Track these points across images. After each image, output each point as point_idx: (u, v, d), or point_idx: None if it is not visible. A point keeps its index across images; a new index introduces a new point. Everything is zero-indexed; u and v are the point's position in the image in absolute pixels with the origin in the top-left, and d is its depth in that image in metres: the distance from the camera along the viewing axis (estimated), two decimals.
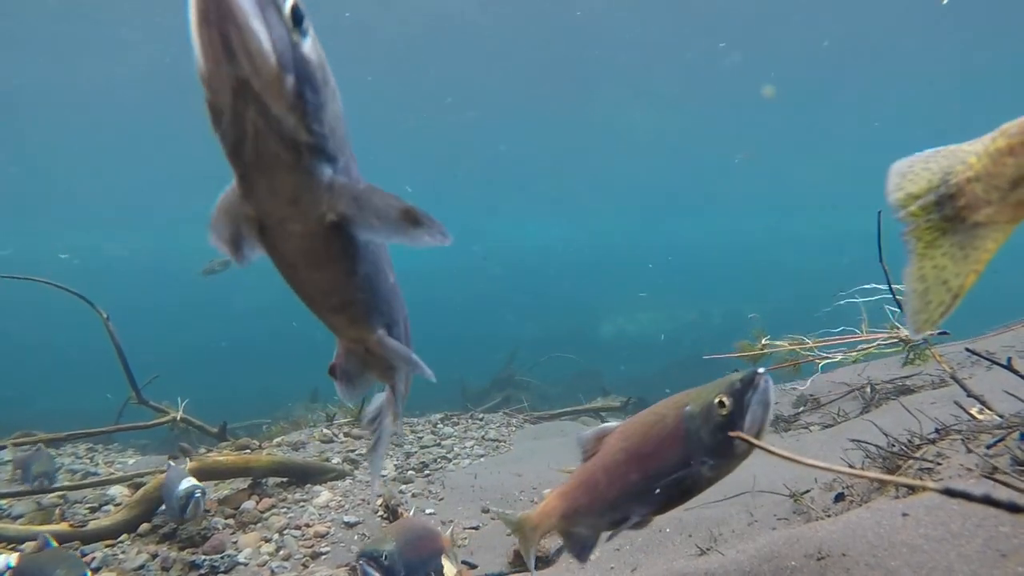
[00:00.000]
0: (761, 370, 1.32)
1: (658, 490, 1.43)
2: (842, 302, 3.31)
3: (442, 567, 2.81)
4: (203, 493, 3.34)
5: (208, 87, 0.87)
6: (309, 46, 0.93)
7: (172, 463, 3.75)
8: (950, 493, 0.71)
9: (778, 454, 1.02)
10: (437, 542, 2.73)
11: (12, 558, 2.75)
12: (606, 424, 1.68)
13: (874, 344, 3.10)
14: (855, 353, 3.38)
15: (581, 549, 1.71)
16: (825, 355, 3.25)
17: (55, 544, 2.83)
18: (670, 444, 1.42)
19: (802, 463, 0.93)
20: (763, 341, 3.33)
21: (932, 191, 1.01)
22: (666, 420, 1.44)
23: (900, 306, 3.05)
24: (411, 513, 2.91)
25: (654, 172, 29.25)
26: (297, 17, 0.90)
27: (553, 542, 3.17)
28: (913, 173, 1.04)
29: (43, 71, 17.58)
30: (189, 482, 3.34)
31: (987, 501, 0.70)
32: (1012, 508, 0.68)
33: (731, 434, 1.30)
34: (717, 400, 1.33)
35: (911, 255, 1.03)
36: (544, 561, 2.94)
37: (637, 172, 29.36)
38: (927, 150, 1.07)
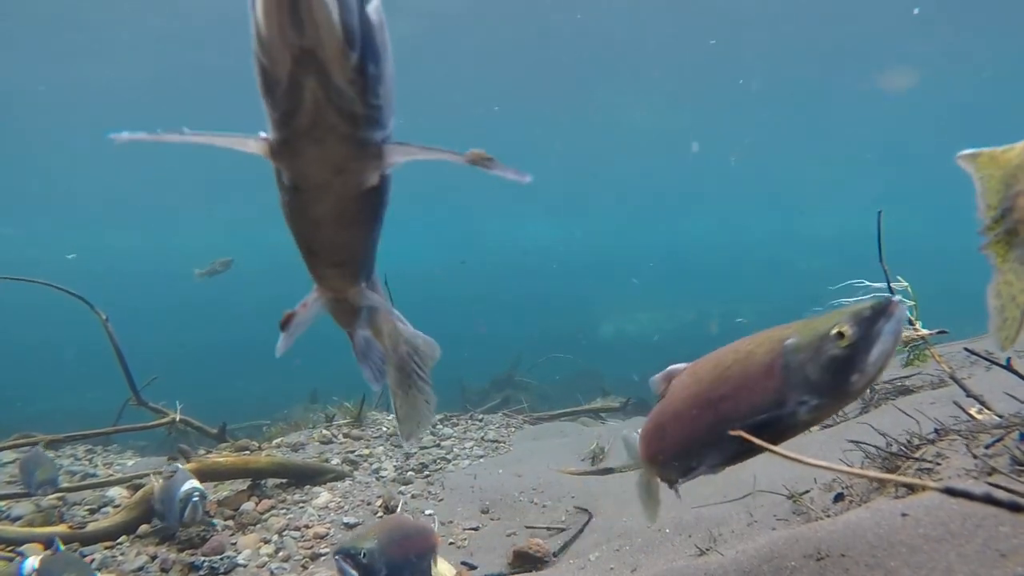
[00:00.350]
0: (897, 297, 1.18)
1: (737, 436, 1.24)
2: (840, 300, 3.32)
3: (430, 567, 2.70)
4: (201, 496, 3.29)
5: (267, 55, 0.84)
6: (374, 7, 0.89)
7: (180, 465, 3.73)
8: (951, 492, 0.71)
9: (785, 455, 1.01)
10: (427, 540, 2.62)
11: (36, 561, 2.76)
12: (676, 365, 1.53)
13: None
14: None
15: (676, 487, 1.61)
16: None
17: (63, 547, 2.83)
18: (758, 383, 1.25)
19: (808, 464, 0.92)
20: None
21: (1000, 204, 0.97)
22: (754, 356, 1.27)
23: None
24: (400, 509, 2.77)
25: (654, 172, 29.27)
26: None
27: (553, 542, 3.17)
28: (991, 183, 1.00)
29: (43, 71, 17.58)
30: (190, 484, 3.31)
31: (988, 500, 0.70)
32: (1013, 507, 0.68)
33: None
34: (835, 331, 1.17)
35: (992, 270, 0.98)
36: (544, 561, 2.94)
37: (637, 172, 29.38)
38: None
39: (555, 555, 3.01)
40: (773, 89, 21.88)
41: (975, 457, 1.74)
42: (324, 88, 0.85)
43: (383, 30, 0.92)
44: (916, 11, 16.17)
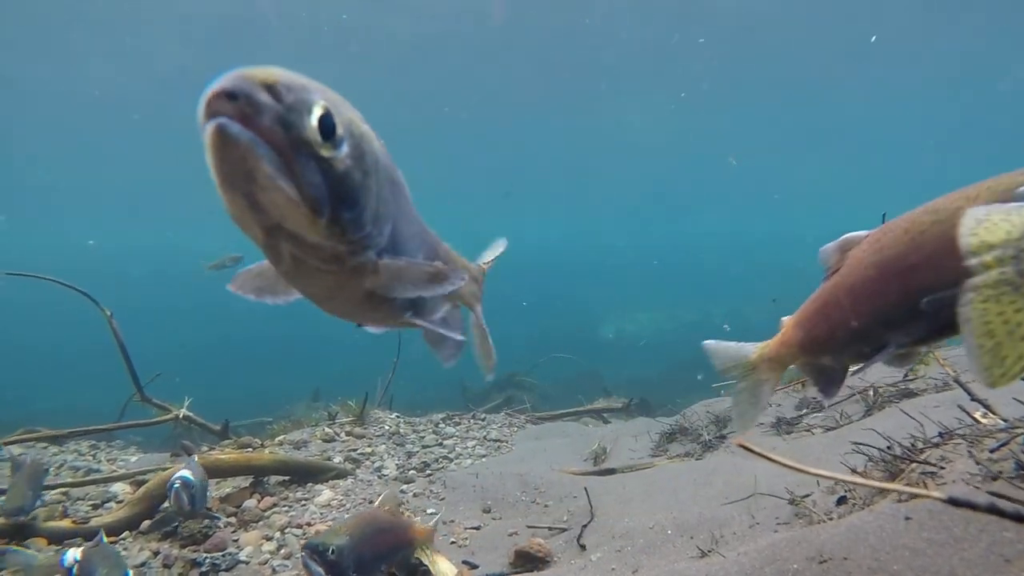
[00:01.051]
0: None
1: (932, 311, 1.07)
2: None
3: (409, 559, 2.62)
4: (184, 484, 3.14)
5: (239, 226, 0.87)
6: (345, 154, 0.86)
7: (192, 459, 3.69)
8: (954, 503, 0.70)
9: (782, 463, 1.01)
10: (403, 535, 2.53)
11: (78, 552, 2.78)
12: (854, 233, 1.32)
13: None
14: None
15: (827, 384, 1.45)
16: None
17: (106, 540, 2.83)
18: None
19: (806, 472, 0.92)
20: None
21: (1011, 244, 0.95)
22: (958, 216, 1.04)
23: None
24: (377, 503, 2.60)
25: (654, 172, 29.19)
26: (326, 130, 0.82)
27: (554, 542, 3.17)
28: (990, 222, 0.97)
29: (50, 71, 17.65)
30: (181, 473, 3.21)
31: (992, 511, 0.69)
32: (1017, 518, 0.68)
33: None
34: None
35: (972, 306, 0.95)
36: (546, 561, 2.94)
37: (637, 172, 29.31)
38: (1009, 203, 0.99)
39: (556, 555, 3.01)
40: (773, 89, 21.82)
41: (978, 463, 1.73)
42: (299, 247, 0.89)
43: (359, 165, 0.90)
44: (873, 38, 16.20)
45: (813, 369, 1.46)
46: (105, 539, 2.77)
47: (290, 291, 1.15)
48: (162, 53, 17.80)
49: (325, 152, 0.83)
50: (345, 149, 0.86)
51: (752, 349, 1.55)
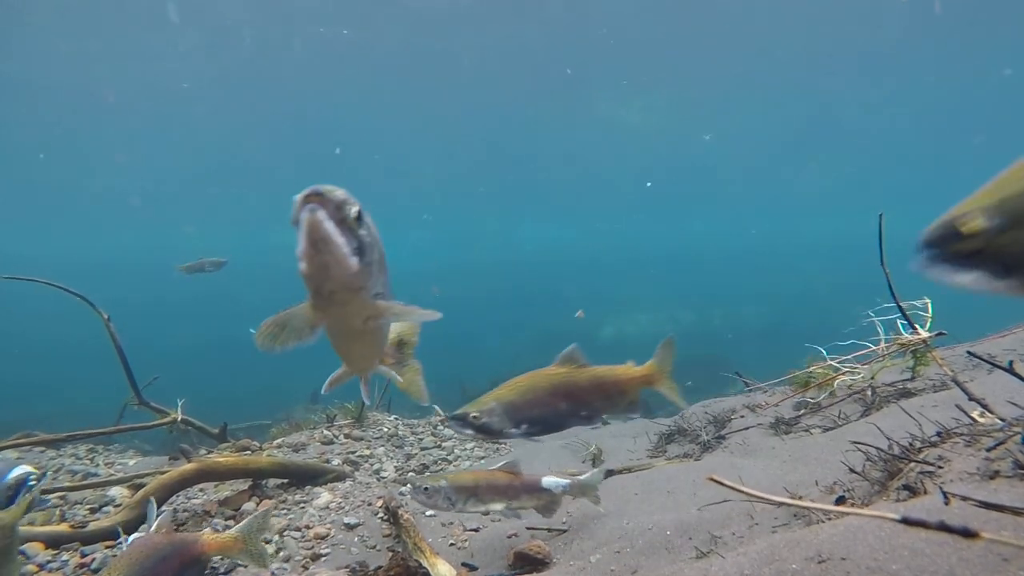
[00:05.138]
0: None
1: None
2: (851, 327, 3.34)
3: (203, 572, 2.49)
4: (38, 480, 3.09)
5: (306, 278, 1.51)
6: (365, 232, 1.53)
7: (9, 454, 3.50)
8: (907, 522, 0.72)
9: (749, 493, 1.01)
10: (187, 554, 2.37)
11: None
12: None
13: (887, 355, 3.13)
14: (870, 366, 3.46)
15: None
16: (846, 369, 3.33)
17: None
18: None
19: (767, 500, 0.92)
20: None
21: None
22: None
23: (902, 311, 3.05)
24: (153, 528, 2.43)
25: (653, 172, 29.23)
26: (360, 220, 1.50)
27: (554, 543, 3.16)
28: None
29: (58, 67, 17.60)
30: (23, 468, 3.10)
31: (943, 528, 0.70)
32: (965, 534, 0.68)
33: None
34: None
35: None
36: (545, 563, 2.93)
37: (637, 173, 29.34)
38: None
39: (556, 555, 3.00)
40: (773, 89, 21.88)
41: (975, 458, 1.73)
42: (339, 288, 1.54)
43: (371, 237, 1.56)
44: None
45: None
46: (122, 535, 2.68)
47: (312, 334, 1.70)
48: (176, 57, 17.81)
49: (358, 229, 1.50)
50: (365, 229, 1.53)
51: None
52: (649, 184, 29.11)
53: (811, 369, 3.98)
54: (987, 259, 1.00)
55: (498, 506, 2.84)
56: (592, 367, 2.63)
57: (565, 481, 2.97)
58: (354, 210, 1.46)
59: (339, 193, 1.44)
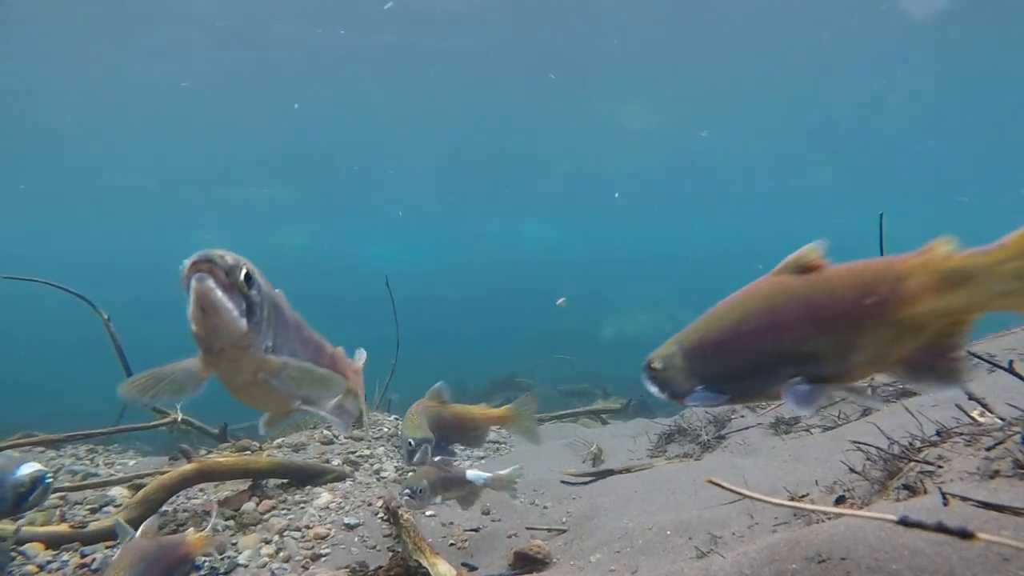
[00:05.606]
0: None
1: None
2: None
3: (189, 571, 2.65)
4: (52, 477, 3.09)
5: (196, 338, 1.54)
6: (255, 291, 1.56)
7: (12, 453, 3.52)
8: (905, 524, 0.72)
9: (747, 495, 1.01)
10: (174, 556, 2.51)
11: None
12: None
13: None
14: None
15: None
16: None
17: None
18: None
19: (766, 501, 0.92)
20: None
21: None
22: None
23: None
24: (139, 533, 2.52)
25: (653, 172, 29.22)
26: (250, 281, 1.54)
27: (554, 542, 3.16)
28: None
29: (58, 69, 17.60)
30: (34, 466, 3.08)
31: (940, 529, 0.71)
32: (962, 535, 0.69)
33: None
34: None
35: None
36: (545, 563, 2.93)
37: (637, 173, 29.33)
38: None
39: (556, 555, 3.00)
40: (773, 89, 21.87)
41: (975, 457, 1.73)
42: (229, 347, 1.56)
43: (260, 295, 1.58)
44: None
45: None
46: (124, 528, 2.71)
47: (198, 386, 1.67)
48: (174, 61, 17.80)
49: (248, 290, 1.54)
50: (255, 289, 1.56)
51: None
52: (617, 195, 29.45)
53: None
54: (664, 383, 1.60)
55: (438, 498, 3.16)
56: (453, 405, 3.17)
57: (487, 475, 3.19)
58: (243, 273, 1.51)
59: (228, 259, 1.49)
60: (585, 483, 4.22)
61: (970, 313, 1.24)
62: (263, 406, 1.97)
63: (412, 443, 2.82)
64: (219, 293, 1.45)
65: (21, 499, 2.98)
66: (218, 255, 1.48)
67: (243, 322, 1.50)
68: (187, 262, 1.45)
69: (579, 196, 32.55)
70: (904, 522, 0.73)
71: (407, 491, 2.95)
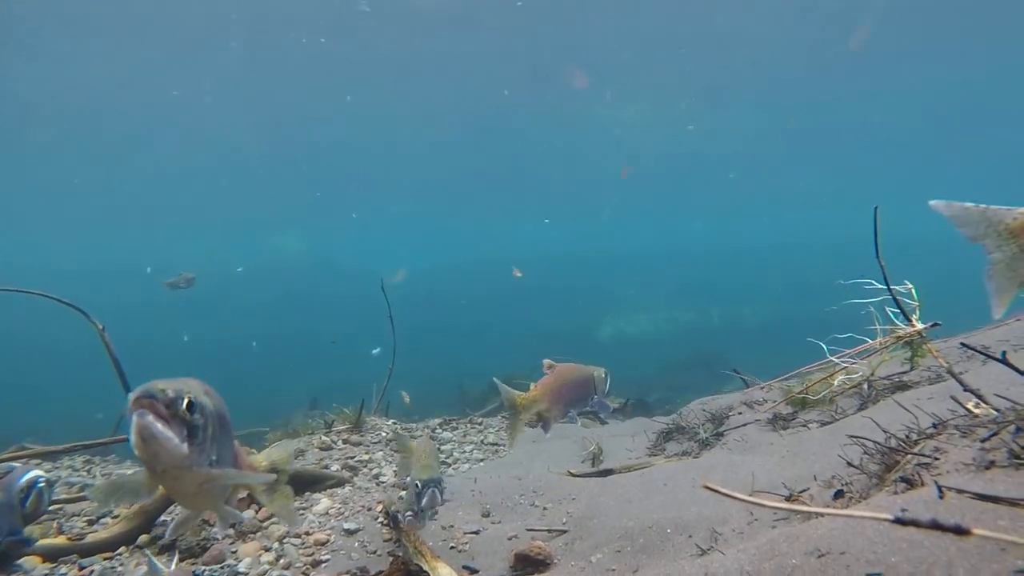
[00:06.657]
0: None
1: None
2: (835, 307, 3.35)
3: None
4: (48, 483, 3.11)
5: (140, 461, 1.65)
6: (198, 415, 1.67)
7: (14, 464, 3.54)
8: (900, 522, 0.73)
9: (739, 498, 1.01)
10: None
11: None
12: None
13: (886, 349, 3.16)
14: (869, 361, 3.49)
15: None
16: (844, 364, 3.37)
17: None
18: None
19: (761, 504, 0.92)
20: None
21: None
22: None
23: (898, 304, 3.07)
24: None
25: (653, 172, 29.31)
26: (192, 409, 1.65)
27: (555, 543, 3.16)
28: None
29: (53, 80, 17.53)
30: (34, 472, 3.12)
31: (935, 526, 0.71)
32: (958, 531, 0.69)
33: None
34: None
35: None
36: (544, 564, 2.93)
37: (637, 173, 29.41)
38: None
39: (557, 556, 3.00)
40: (772, 89, 21.98)
41: (971, 449, 1.74)
42: (171, 467, 1.66)
43: (203, 419, 1.70)
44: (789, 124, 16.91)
45: None
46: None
47: (150, 495, 1.84)
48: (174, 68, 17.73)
49: (190, 416, 1.64)
50: (198, 413, 1.67)
51: (1008, 213, 1.15)
52: (547, 221, 30.26)
53: (808, 386, 4.04)
54: None
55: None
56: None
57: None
58: (184, 403, 1.62)
59: (169, 392, 1.61)
60: (591, 476, 4.24)
61: None
62: (202, 507, 2.14)
63: (419, 485, 2.73)
64: (158, 427, 1.57)
65: (22, 505, 2.99)
66: (159, 390, 1.60)
67: (183, 448, 1.61)
68: (131, 396, 1.59)
69: (579, 196, 32.63)
70: (899, 521, 0.73)
71: (408, 514, 2.88)
